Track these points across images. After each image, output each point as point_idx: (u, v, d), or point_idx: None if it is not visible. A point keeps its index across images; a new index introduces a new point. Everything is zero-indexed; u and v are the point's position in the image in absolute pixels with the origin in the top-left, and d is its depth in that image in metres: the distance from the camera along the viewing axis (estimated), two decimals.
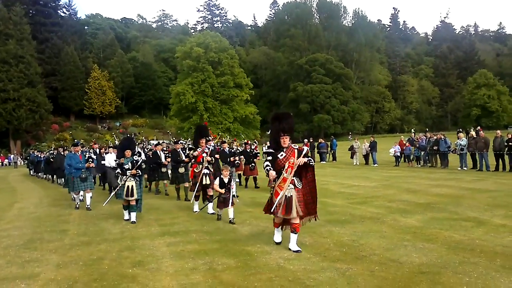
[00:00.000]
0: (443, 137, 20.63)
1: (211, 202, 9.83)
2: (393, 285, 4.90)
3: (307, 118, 72.89)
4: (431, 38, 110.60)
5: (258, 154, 15.90)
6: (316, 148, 28.87)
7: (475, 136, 18.94)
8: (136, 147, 13.74)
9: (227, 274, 5.55)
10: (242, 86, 66.31)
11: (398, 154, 23.89)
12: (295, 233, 6.49)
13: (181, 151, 13.30)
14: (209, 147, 10.41)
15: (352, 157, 26.11)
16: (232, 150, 16.10)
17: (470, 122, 68.99)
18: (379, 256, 6.04)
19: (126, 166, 9.33)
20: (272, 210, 6.57)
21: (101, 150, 17.19)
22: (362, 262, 5.79)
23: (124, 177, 9.31)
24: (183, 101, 61.12)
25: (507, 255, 5.76)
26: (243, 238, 7.46)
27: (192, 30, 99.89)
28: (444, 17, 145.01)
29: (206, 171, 10.03)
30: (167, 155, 14.41)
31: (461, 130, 25.05)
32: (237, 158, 15.06)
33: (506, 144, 17.21)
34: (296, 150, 6.52)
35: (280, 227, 6.92)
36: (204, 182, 9.97)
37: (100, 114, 70.53)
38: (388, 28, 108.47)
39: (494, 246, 6.22)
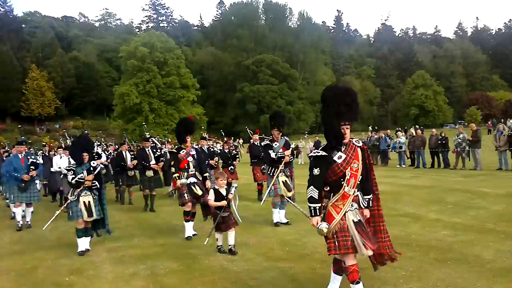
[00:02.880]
0: (383, 135, 21.45)
1: (191, 221, 7.68)
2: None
3: (254, 118, 73.18)
4: (373, 40, 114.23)
5: (238, 156, 14.51)
6: None
7: (414, 135, 19.89)
8: (95, 147, 12.39)
9: (169, 278, 5.46)
10: (188, 86, 65.67)
11: None
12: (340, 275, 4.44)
13: (150, 151, 11.46)
14: (196, 147, 8.50)
15: (297, 157, 26.53)
16: (212, 150, 14.18)
17: (409, 121, 72.00)
18: (321, 254, 6.14)
19: (80, 175, 6.89)
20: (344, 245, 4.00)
21: (51, 153, 15.32)
22: (304, 261, 5.88)
23: (77, 190, 6.93)
24: (127, 102, 59.64)
25: (440, 248, 6.05)
26: (186, 242, 7.36)
27: (137, 30, 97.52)
28: (385, 20, 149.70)
29: (192, 179, 7.64)
30: (134, 156, 12.34)
31: (400, 129, 26.08)
32: (216, 159, 13.17)
33: (440, 142, 18.11)
34: (359, 149, 4.21)
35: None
36: (196, 192, 7.49)
37: (38, 116, 67.32)
38: (332, 30, 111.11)
39: (429, 240, 6.51)
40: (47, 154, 15.72)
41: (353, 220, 4.05)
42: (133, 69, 62.06)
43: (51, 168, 12.77)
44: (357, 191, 4.17)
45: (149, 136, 13.14)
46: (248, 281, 5.19)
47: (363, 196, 4.25)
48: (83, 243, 6.88)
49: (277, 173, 8.02)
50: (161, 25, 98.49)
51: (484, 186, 11.76)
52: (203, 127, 54.48)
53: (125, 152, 12.37)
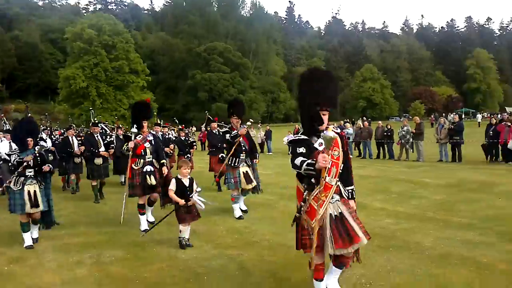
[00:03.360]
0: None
1: (151, 206, 7.56)
2: (281, 268, 5.08)
3: (205, 106, 72.52)
4: (324, 32, 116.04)
5: (195, 144, 14.03)
6: None
7: (361, 126, 20.47)
8: (41, 132, 11.29)
9: (115, 266, 5.34)
10: (138, 72, 63.96)
11: None
12: (341, 268, 4.10)
13: (99, 137, 10.64)
14: (153, 133, 7.80)
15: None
16: (167, 137, 13.42)
17: (357, 113, 73.99)
18: (269, 241, 6.23)
19: (25, 162, 6.15)
20: (305, 245, 3.87)
21: None
22: (253, 248, 5.92)
23: (21, 178, 6.24)
24: (73, 85, 57.32)
25: (383, 235, 6.27)
26: (134, 229, 7.20)
27: (84, 11, 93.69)
28: (336, 13, 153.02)
29: (149, 168, 7.17)
30: (82, 142, 11.58)
31: (348, 120, 26.79)
32: (172, 146, 12.71)
33: (385, 134, 18.75)
34: (338, 136, 3.79)
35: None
36: (149, 183, 7.05)
37: None
38: (284, 21, 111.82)
39: (373, 228, 6.71)
40: None
41: (331, 214, 3.76)
42: (79, 52, 59.59)
43: None
44: (339, 181, 3.86)
45: (97, 121, 12.38)
46: (196, 268, 5.16)
47: (345, 188, 3.96)
48: (29, 237, 6.33)
49: (235, 163, 7.72)
50: (109, 7, 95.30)
51: (426, 176, 12.30)
52: (154, 113, 53.11)
53: (72, 137, 11.69)
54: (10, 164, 6.32)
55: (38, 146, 6.42)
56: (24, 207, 6.14)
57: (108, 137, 12.54)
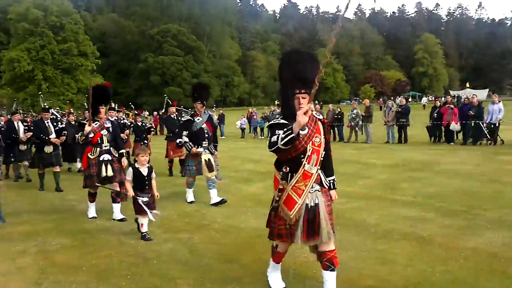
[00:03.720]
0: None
1: (117, 203, 6.79)
2: (232, 249, 5.13)
3: (158, 90, 71.27)
4: (279, 16, 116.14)
5: (152, 129, 13.22)
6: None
7: (313, 110, 20.81)
8: None
9: (61, 254, 5.20)
10: (87, 54, 61.59)
11: (244, 126, 24.98)
12: (334, 271, 3.68)
13: (49, 124, 9.80)
14: (111, 119, 7.43)
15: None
16: (121, 122, 12.60)
17: None
18: (220, 224, 6.27)
19: None
20: (281, 234, 3.70)
21: None
22: (204, 231, 5.94)
23: None
24: (17, 68, 54.54)
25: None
26: (81, 216, 7.03)
27: None
28: None
29: (106, 157, 6.63)
30: (28, 128, 11.11)
31: None
32: (127, 132, 12.17)
33: (336, 117, 19.17)
34: (320, 122, 3.71)
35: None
36: (103, 174, 6.52)
37: None
38: (239, 4, 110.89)
39: None
40: None
41: (307, 204, 3.56)
42: (24, 33, 56.66)
43: None
44: (319, 170, 3.64)
45: (48, 107, 11.54)
46: (146, 253, 5.12)
47: (326, 178, 3.75)
48: None
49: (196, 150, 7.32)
50: None
51: (373, 157, 12.72)
52: None
53: (17, 122, 11.05)
54: None
55: None
56: None
57: (59, 123, 11.85)
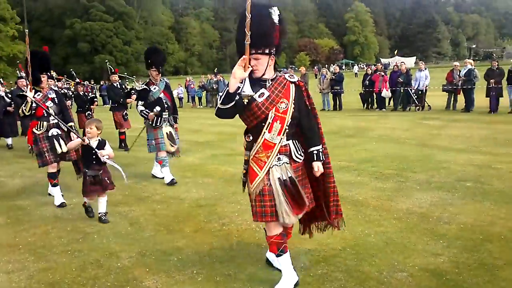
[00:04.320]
0: (221, 78, 22.02)
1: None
2: (173, 220, 5.12)
3: (87, 58, 68.04)
4: None
5: (96, 99, 12.67)
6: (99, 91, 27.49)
7: None
8: None
9: None
10: (6, 19, 57.15)
11: (182, 95, 24.57)
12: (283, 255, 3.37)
13: None
14: (55, 89, 6.75)
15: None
16: (62, 92, 11.63)
17: None
18: (161, 195, 6.22)
19: None
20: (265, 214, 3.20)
21: None
22: (144, 203, 5.88)
23: None
24: None
25: None
26: (13, 192, 6.71)
27: None
28: None
29: (55, 131, 5.95)
30: None
31: None
32: (69, 102, 11.24)
33: None
34: (293, 85, 3.29)
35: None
36: (59, 151, 5.88)
37: None
38: None
39: None
40: None
41: (279, 178, 3.18)
42: None
43: None
44: (288, 140, 3.25)
45: None
46: (85, 228, 5.00)
47: (310, 149, 3.34)
48: None
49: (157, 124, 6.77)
50: None
51: None
52: None
53: None
54: None
55: None
56: None
57: None
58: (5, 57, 56.21)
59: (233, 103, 3.03)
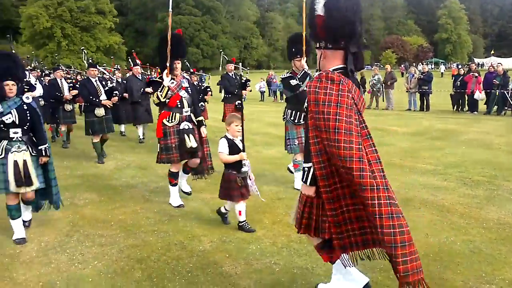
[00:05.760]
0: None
1: (187, 174, 5.78)
2: (253, 211, 5.15)
3: None
4: None
5: (209, 89, 11.56)
6: None
7: None
8: (28, 73, 9.02)
9: (89, 208, 5.40)
10: (105, 12, 61.25)
11: (263, 89, 24.85)
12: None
13: (98, 83, 8.28)
14: (188, 78, 6.21)
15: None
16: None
17: None
18: None
19: (8, 120, 4.27)
20: None
21: None
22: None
23: (4, 142, 4.32)
24: (36, 25, 54.63)
25: None
26: (106, 173, 7.24)
27: None
28: None
29: (187, 125, 5.44)
30: (73, 85, 10.07)
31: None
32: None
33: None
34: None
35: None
36: (189, 145, 5.30)
37: None
38: None
39: None
40: None
41: None
42: None
43: None
44: None
45: (94, 62, 9.85)
46: (171, 211, 5.27)
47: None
48: (20, 226, 4.51)
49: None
50: None
51: (394, 124, 12.62)
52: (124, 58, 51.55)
53: (61, 80, 10.02)
54: None
55: (27, 96, 4.64)
56: (8, 184, 4.29)
57: (109, 82, 10.36)
58: (102, 48, 60.34)
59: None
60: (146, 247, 4.21)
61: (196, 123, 5.56)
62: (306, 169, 2.83)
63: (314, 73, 3.33)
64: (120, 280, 3.57)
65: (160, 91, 5.23)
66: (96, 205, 5.55)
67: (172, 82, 5.34)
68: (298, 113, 5.88)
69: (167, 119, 5.36)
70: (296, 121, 5.95)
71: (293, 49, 5.92)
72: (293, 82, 5.75)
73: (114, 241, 4.38)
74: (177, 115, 5.37)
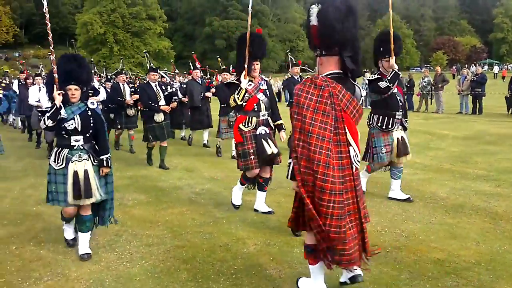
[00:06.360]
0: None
1: (264, 191, 5.39)
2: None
3: (223, 54, 71.69)
4: None
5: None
6: None
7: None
8: (93, 78, 8.53)
9: (138, 209, 5.56)
10: (155, 18, 63.11)
11: None
12: None
13: (158, 87, 7.98)
14: (266, 79, 5.53)
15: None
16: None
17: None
18: (286, 188, 6.35)
19: (70, 126, 4.01)
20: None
21: (27, 81, 12.17)
22: (270, 195, 6.05)
23: (65, 151, 4.05)
24: (91, 32, 57.08)
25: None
26: (154, 174, 7.45)
27: None
28: None
29: (263, 130, 5.13)
30: (134, 90, 9.90)
31: (367, 70, 26.37)
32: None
33: (406, 85, 18.42)
34: None
35: None
36: (269, 151, 5.02)
37: None
38: None
39: (389, 178, 6.76)
40: (22, 82, 12.71)
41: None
42: None
43: (29, 101, 9.72)
44: None
45: (155, 67, 9.13)
46: (216, 213, 5.35)
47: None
48: (69, 230, 4.45)
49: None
50: None
51: (444, 128, 12.22)
52: (171, 61, 52.86)
53: (123, 84, 9.91)
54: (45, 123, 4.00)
55: (91, 101, 4.30)
56: (65, 198, 4.04)
57: (169, 87, 10.24)
58: (152, 52, 62.03)
59: None
60: (191, 248, 4.30)
61: (273, 128, 5.28)
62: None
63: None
64: (166, 279, 3.66)
65: (237, 94, 5.03)
66: (144, 205, 5.72)
67: (250, 84, 5.12)
68: (386, 118, 5.51)
69: (243, 124, 5.11)
70: (384, 127, 5.53)
71: (381, 49, 5.56)
72: (383, 84, 5.36)
73: (161, 241, 4.49)
74: (254, 119, 5.10)
